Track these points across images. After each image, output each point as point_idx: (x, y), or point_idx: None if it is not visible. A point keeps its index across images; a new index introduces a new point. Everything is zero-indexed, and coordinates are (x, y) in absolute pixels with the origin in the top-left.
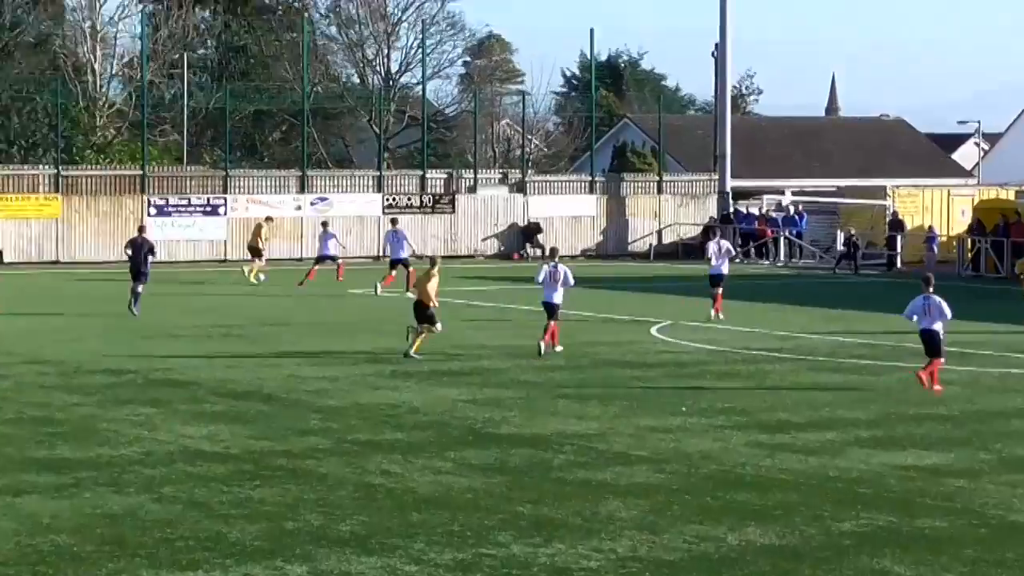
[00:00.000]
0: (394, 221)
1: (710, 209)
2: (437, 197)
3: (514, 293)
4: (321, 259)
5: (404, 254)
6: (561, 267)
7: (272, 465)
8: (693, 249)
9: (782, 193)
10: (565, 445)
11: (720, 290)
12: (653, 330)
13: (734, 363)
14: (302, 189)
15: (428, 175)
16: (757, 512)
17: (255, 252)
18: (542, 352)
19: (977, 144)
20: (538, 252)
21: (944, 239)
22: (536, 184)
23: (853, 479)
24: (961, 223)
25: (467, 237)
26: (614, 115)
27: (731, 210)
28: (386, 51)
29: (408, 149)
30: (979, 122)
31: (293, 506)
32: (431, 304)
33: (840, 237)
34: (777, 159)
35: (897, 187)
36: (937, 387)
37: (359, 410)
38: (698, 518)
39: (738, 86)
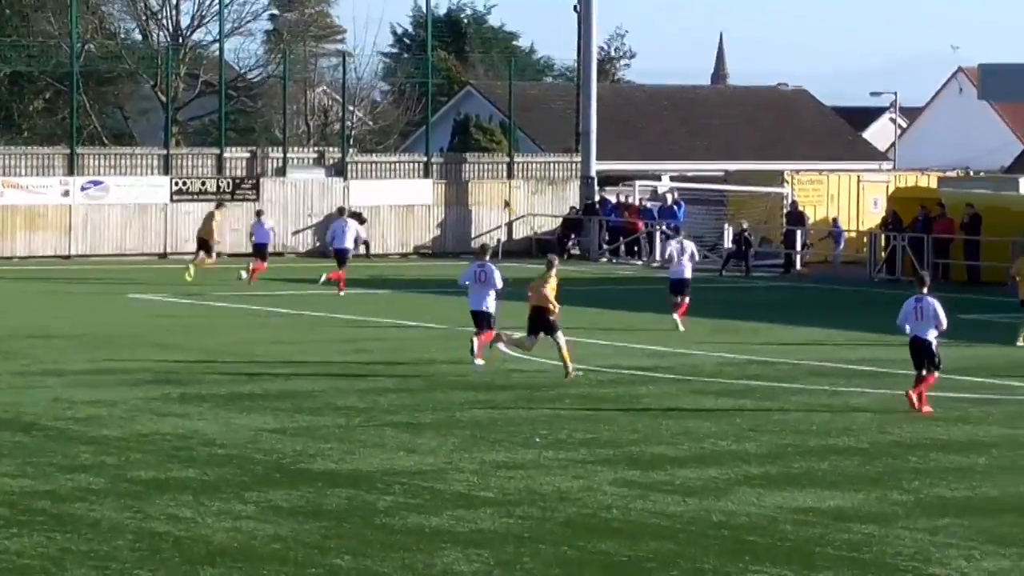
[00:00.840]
0: (342, 210)
1: (571, 197)
2: (238, 181)
3: (333, 300)
4: (259, 248)
5: (347, 244)
6: (489, 267)
7: (32, 509)
8: (550, 246)
9: (658, 178)
10: (393, 484)
11: (687, 298)
12: (501, 344)
13: (599, 385)
14: (71, 170)
15: (227, 154)
16: (626, 565)
17: (205, 246)
18: (476, 364)
19: (893, 120)
20: (362, 249)
21: (853, 235)
22: (359, 166)
23: (741, 525)
24: (873, 215)
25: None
26: (455, 82)
27: (597, 199)
28: (175, 1)
29: (202, 122)
30: (896, 94)
31: (58, 559)
32: (552, 308)
33: (728, 232)
34: (653, 137)
35: (797, 172)
36: (927, 408)
37: (141, 442)
38: (554, 572)
39: (606, 48)
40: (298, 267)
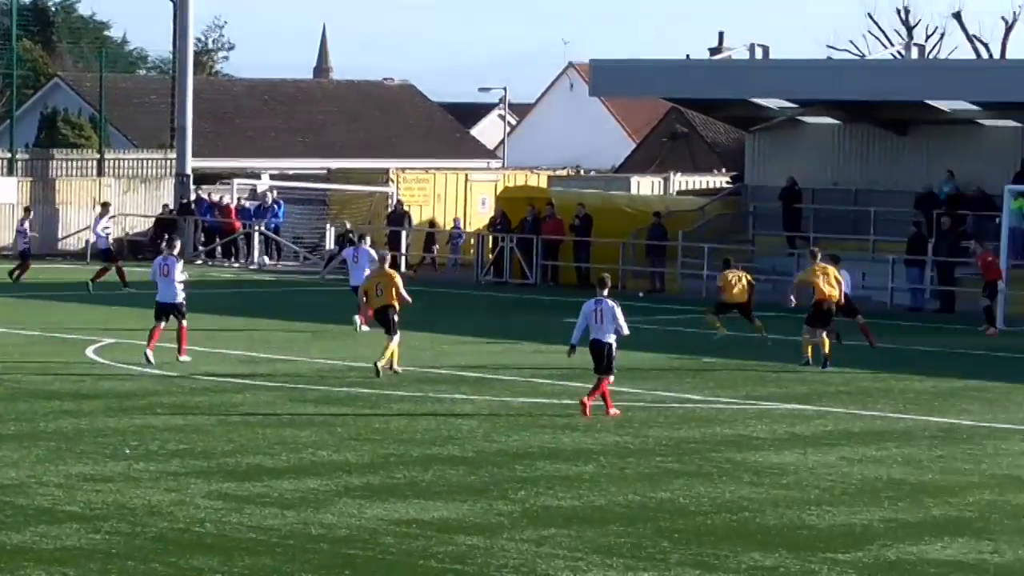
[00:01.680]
0: (106, 205)
1: (165, 196)
2: None
3: None
4: (24, 257)
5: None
6: (171, 259)
7: None
8: (142, 247)
9: (258, 177)
10: None
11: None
12: (89, 351)
13: (192, 393)
14: None
15: None
16: None
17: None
18: (148, 359)
19: (502, 117)
20: None
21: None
22: None
23: (341, 538)
24: (482, 215)
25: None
26: (41, 74)
27: (192, 197)
28: None
29: None
30: (505, 90)
31: None
32: (399, 306)
33: (331, 233)
34: (253, 133)
35: (403, 170)
36: (614, 410)
37: None
38: None
39: (203, 39)
40: None
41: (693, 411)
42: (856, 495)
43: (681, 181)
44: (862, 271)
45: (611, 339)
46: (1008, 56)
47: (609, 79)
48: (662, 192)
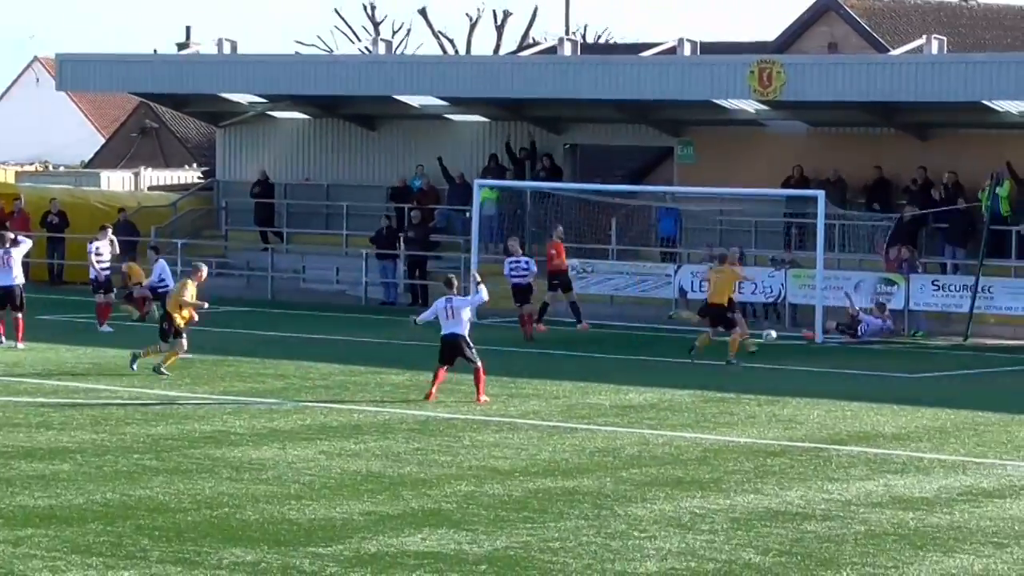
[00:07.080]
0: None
1: None
2: None
3: None
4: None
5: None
6: None
7: None
8: None
9: None
10: None
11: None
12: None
13: None
14: None
15: None
16: None
17: None
18: None
19: None
20: None
21: None
22: None
23: None
24: None
25: None
26: None
27: None
28: None
29: None
30: None
31: None
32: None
33: None
34: None
35: None
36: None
37: None
38: None
39: None
40: None
41: (170, 407)
42: (336, 489)
43: (153, 176)
44: (336, 266)
45: (464, 331)
46: (473, 52)
47: (76, 73)
48: (134, 188)
